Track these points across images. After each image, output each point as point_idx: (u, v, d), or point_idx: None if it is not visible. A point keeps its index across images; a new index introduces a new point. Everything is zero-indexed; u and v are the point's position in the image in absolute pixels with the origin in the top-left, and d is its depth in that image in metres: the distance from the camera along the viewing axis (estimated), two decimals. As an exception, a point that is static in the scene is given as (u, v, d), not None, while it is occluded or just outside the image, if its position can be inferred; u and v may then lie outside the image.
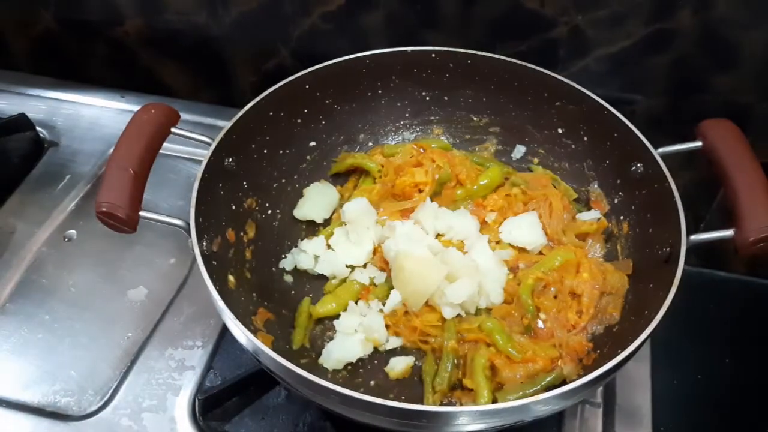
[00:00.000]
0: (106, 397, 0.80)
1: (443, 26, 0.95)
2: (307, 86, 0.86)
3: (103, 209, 0.66)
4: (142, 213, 0.68)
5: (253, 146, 0.84)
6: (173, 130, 0.74)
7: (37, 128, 1.07)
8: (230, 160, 0.80)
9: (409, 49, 0.88)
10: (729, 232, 0.68)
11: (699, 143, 0.74)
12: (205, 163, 0.74)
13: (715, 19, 0.84)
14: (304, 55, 1.02)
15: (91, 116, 1.09)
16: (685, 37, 0.87)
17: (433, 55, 0.88)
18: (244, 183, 0.83)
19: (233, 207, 0.81)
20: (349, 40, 1.00)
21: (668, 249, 0.72)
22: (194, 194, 0.71)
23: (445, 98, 0.92)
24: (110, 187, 0.67)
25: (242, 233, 0.82)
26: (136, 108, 0.75)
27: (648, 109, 0.95)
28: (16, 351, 0.84)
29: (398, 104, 0.93)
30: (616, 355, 0.62)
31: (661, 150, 0.77)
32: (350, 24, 0.98)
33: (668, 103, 0.94)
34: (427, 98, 0.93)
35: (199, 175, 0.73)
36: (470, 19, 0.93)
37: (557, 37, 0.91)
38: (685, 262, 0.67)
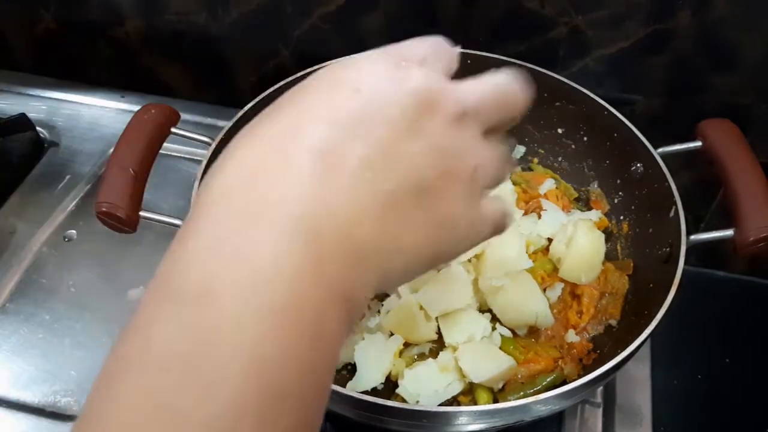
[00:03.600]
0: (106, 397, 0.80)
1: (443, 26, 0.95)
2: None
3: (103, 209, 0.66)
4: (142, 213, 0.68)
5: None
6: (173, 130, 0.74)
7: (38, 128, 1.07)
8: None
9: None
10: (729, 232, 0.68)
11: (699, 143, 0.75)
12: (204, 163, 0.74)
13: (714, 20, 0.84)
14: (304, 55, 1.02)
15: (91, 116, 1.09)
16: (685, 38, 0.87)
17: None
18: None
19: None
20: (349, 41, 1.00)
21: (668, 249, 0.72)
22: (194, 195, 0.71)
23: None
24: (110, 187, 0.67)
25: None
26: (136, 108, 0.75)
27: (648, 110, 0.95)
28: (16, 351, 0.84)
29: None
30: (616, 355, 0.62)
31: (661, 150, 0.77)
32: (350, 24, 0.98)
33: (668, 104, 0.95)
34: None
35: (199, 176, 0.73)
36: (470, 19, 0.93)
37: (557, 38, 0.91)
38: (685, 262, 0.67)
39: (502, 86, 0.39)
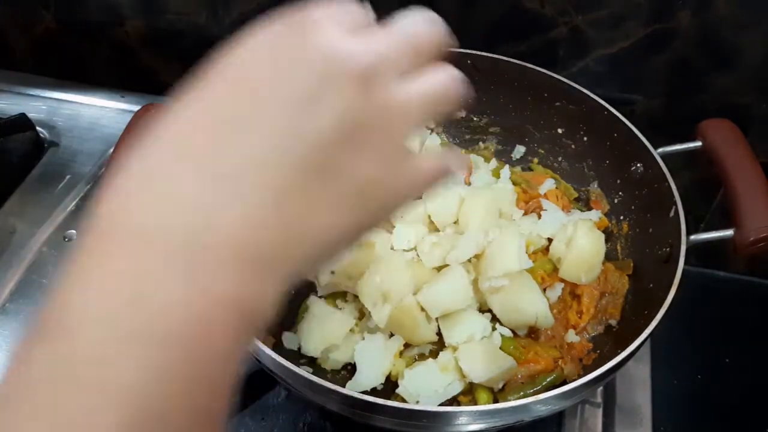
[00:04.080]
0: (106, 397, 0.79)
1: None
2: None
3: None
4: None
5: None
6: None
7: (38, 128, 1.06)
8: None
9: None
10: (729, 232, 0.68)
11: (699, 143, 0.75)
12: None
13: (714, 20, 0.84)
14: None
15: (92, 116, 1.09)
16: (685, 38, 0.87)
17: None
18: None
19: None
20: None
21: (668, 249, 0.72)
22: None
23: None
24: None
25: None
26: (136, 108, 0.75)
27: (648, 110, 0.95)
28: (16, 351, 0.84)
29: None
30: (616, 355, 0.62)
31: (660, 150, 0.77)
32: (350, 24, 0.98)
33: (668, 104, 0.94)
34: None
35: None
36: (470, 19, 0.93)
37: (557, 38, 0.91)
38: (685, 263, 0.67)
39: (411, 30, 0.35)
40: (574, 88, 0.84)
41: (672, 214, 0.72)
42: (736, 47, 0.86)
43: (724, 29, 0.85)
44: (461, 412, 0.59)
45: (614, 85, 0.94)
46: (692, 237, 0.69)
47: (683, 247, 0.68)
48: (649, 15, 0.86)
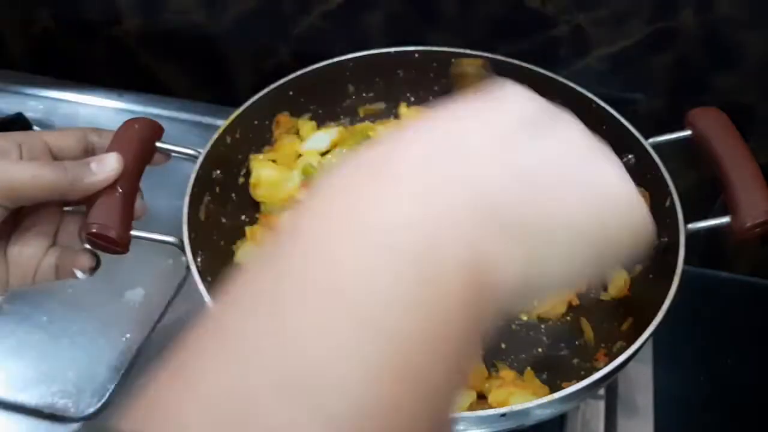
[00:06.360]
0: (104, 399, 0.79)
1: (444, 25, 0.95)
2: (290, 93, 0.85)
3: (93, 230, 0.63)
4: (133, 232, 0.65)
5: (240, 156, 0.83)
6: (158, 144, 0.72)
7: (35, 128, 1.06)
8: (218, 171, 0.78)
9: (392, 50, 0.86)
10: (725, 219, 0.67)
11: (689, 132, 0.74)
12: (194, 177, 0.73)
13: (717, 19, 0.84)
14: (303, 53, 1.01)
15: (89, 115, 1.09)
16: (687, 37, 0.86)
17: (416, 55, 0.86)
18: (233, 194, 0.82)
19: (224, 220, 0.80)
20: (349, 40, 0.99)
21: (666, 239, 0.72)
22: (185, 211, 0.70)
23: (430, 98, 0.90)
24: (98, 207, 0.64)
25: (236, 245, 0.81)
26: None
27: (650, 108, 0.95)
28: (14, 352, 0.83)
29: (384, 107, 0.92)
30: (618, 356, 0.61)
31: (651, 140, 0.76)
32: (350, 23, 0.98)
33: (670, 103, 0.94)
34: (412, 99, 0.91)
35: (189, 191, 0.72)
36: (471, 18, 0.93)
37: (558, 36, 0.91)
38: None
39: None
40: (560, 82, 0.82)
41: (668, 203, 0.72)
42: (739, 46, 0.85)
43: (727, 28, 0.84)
44: (460, 417, 0.59)
45: (616, 84, 0.94)
46: (689, 225, 0.69)
47: (682, 237, 0.68)
48: (652, 14, 0.86)
